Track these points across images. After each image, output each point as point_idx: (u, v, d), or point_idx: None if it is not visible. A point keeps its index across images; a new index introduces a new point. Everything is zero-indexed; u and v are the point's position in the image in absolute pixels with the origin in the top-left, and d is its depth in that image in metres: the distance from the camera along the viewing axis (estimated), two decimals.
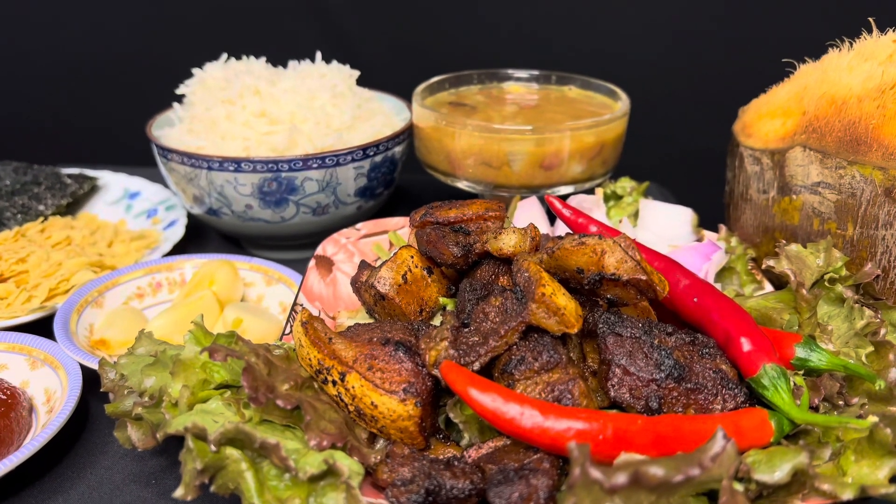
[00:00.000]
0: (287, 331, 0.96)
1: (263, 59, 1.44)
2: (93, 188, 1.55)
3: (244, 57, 1.43)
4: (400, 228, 1.26)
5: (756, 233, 1.12)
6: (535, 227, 0.90)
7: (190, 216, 1.44)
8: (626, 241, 0.79)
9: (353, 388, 0.75)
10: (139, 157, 1.91)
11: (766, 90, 1.15)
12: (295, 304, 1.03)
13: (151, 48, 2.23)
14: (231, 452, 0.67)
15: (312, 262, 1.12)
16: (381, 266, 0.93)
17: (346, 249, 1.18)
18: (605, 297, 0.82)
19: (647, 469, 0.56)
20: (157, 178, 1.59)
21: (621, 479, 0.55)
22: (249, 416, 0.72)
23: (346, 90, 1.37)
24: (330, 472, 0.66)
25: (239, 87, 1.28)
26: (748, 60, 1.82)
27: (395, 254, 0.95)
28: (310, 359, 0.79)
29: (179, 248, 1.39)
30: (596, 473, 0.56)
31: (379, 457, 0.74)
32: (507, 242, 0.89)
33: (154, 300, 1.18)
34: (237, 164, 1.19)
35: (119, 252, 1.27)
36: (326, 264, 1.14)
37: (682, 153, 2.13)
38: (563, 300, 0.76)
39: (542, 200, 1.15)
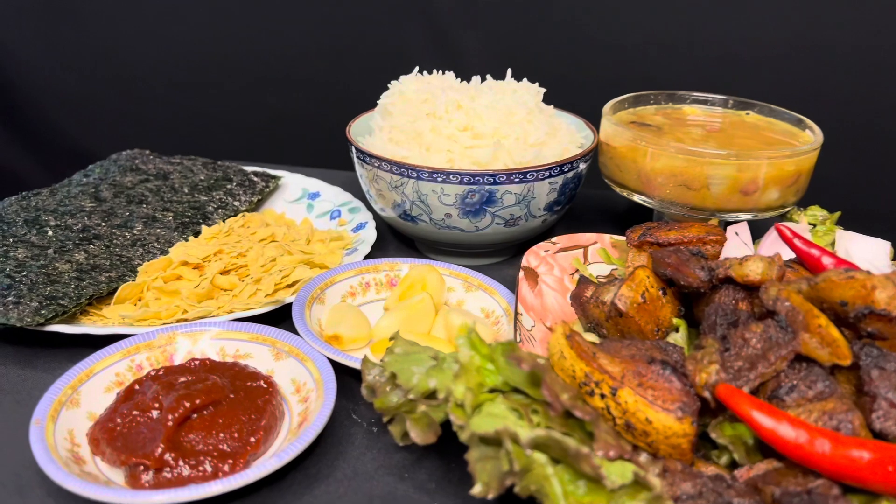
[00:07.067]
0: (517, 339, 1.01)
1: (451, 73, 1.49)
2: (275, 187, 1.63)
3: (435, 71, 1.49)
4: (591, 244, 1.30)
5: None
6: (781, 257, 0.93)
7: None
8: None
9: (625, 402, 0.79)
10: (308, 158, 2.04)
11: None
12: (517, 313, 1.08)
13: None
14: (538, 457, 0.72)
15: (521, 273, 1.17)
16: (620, 284, 0.97)
17: (546, 262, 1.23)
18: (866, 330, 0.84)
19: None
20: (332, 180, 1.66)
21: None
22: (537, 422, 0.77)
23: (535, 107, 1.41)
24: (636, 483, 0.70)
25: (445, 101, 1.33)
26: None
27: (631, 273, 0.99)
28: (574, 370, 0.84)
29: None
30: None
31: (654, 470, 0.78)
32: (755, 270, 0.92)
33: (364, 299, 1.24)
34: (445, 175, 1.25)
35: (320, 251, 1.34)
36: (533, 276, 1.18)
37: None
38: (836, 332, 0.79)
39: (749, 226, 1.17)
